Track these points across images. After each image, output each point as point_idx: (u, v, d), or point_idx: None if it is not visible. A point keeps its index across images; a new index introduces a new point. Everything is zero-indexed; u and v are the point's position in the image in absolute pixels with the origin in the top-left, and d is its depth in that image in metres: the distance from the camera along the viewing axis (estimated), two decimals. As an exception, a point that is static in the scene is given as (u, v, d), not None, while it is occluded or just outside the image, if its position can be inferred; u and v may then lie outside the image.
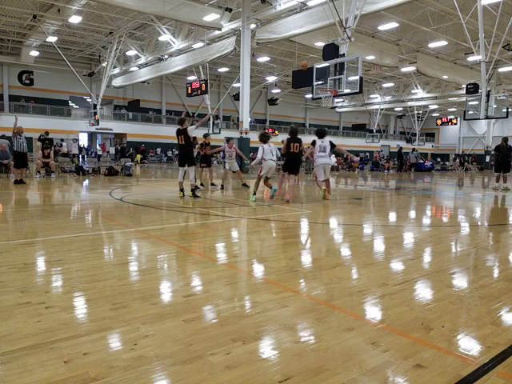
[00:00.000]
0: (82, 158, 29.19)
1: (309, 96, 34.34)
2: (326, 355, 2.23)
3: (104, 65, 29.74)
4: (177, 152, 35.35)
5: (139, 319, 2.65)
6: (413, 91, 37.15)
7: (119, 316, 2.70)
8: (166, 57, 26.67)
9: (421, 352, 2.29)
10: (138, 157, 33.24)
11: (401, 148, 29.18)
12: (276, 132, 43.25)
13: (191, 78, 29.97)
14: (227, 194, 11.59)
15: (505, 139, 13.83)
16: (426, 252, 4.93)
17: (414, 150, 31.65)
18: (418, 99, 37.71)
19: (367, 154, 40.18)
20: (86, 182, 14.01)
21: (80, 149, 30.75)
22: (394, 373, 2.07)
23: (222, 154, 13.29)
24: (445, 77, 27.64)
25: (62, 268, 3.81)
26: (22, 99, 31.93)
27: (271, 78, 36.78)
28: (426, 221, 7.62)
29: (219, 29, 21.00)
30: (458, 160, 35.82)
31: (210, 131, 32.07)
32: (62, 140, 28.48)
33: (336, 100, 32.25)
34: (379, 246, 5.29)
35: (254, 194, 9.47)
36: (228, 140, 13.35)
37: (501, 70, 28.05)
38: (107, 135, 38.25)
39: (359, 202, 10.31)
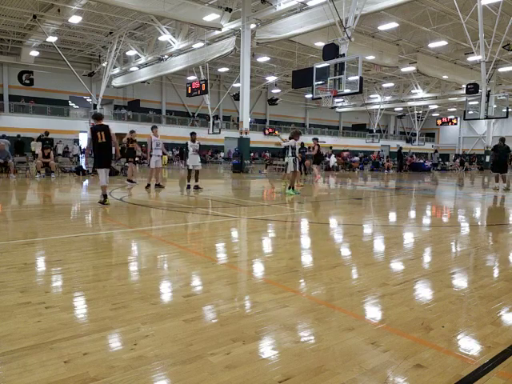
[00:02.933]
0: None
1: (309, 96, 34.33)
2: (325, 355, 2.23)
3: (104, 65, 29.72)
4: (177, 152, 35.45)
5: (139, 319, 2.65)
6: (413, 91, 37.12)
7: (119, 316, 2.70)
8: (166, 57, 26.67)
9: (421, 352, 2.29)
10: (165, 158, 32.03)
11: (400, 148, 29.23)
12: (276, 132, 43.28)
13: (191, 78, 29.96)
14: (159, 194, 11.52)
15: (502, 139, 13.78)
16: (425, 252, 4.93)
17: (436, 151, 31.88)
18: (418, 99, 37.67)
19: (361, 154, 40.00)
20: (85, 182, 14.00)
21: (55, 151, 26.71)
22: (393, 373, 2.07)
23: (151, 146, 11.39)
24: (445, 77, 27.62)
25: (62, 268, 3.81)
26: (22, 99, 31.90)
27: (271, 78, 36.76)
28: (426, 221, 7.62)
29: (219, 29, 20.99)
30: (458, 160, 35.84)
31: (210, 131, 32.04)
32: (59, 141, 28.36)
33: (336, 100, 32.24)
34: (379, 246, 5.29)
35: (292, 188, 10.77)
36: (153, 127, 11.82)
37: (501, 70, 28.02)
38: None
39: (359, 201, 10.31)
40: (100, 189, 8.03)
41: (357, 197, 11.53)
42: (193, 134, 11.44)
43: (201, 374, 2.02)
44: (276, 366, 2.12)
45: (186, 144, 11.33)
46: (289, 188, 10.78)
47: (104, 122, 8.16)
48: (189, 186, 11.42)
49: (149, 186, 11.41)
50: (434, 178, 22.87)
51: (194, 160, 11.35)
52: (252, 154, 32.18)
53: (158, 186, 11.68)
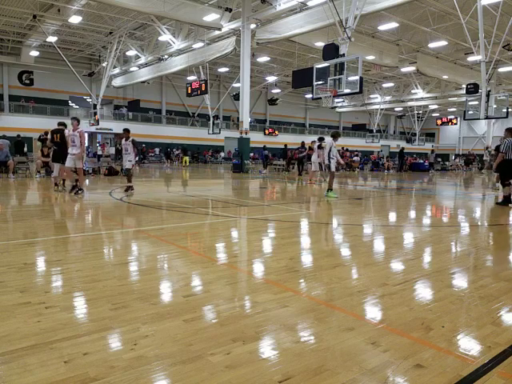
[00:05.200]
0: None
1: (309, 96, 34.34)
2: (325, 355, 2.23)
3: (104, 65, 29.74)
4: (177, 152, 35.50)
5: (139, 319, 2.65)
6: (413, 91, 37.14)
7: (119, 316, 2.70)
8: (166, 57, 26.68)
9: (421, 352, 2.28)
10: (186, 159, 29.62)
11: (402, 148, 29.24)
12: (276, 132, 43.27)
13: (191, 77, 29.96)
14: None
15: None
16: (426, 252, 4.93)
17: (432, 151, 31.98)
18: (417, 99, 37.69)
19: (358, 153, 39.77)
20: (85, 182, 14.00)
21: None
22: (393, 373, 2.07)
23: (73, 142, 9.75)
24: (445, 77, 27.63)
25: (61, 268, 3.81)
26: (21, 99, 31.91)
27: (271, 78, 36.78)
28: (426, 221, 7.62)
29: (219, 29, 21.00)
30: (458, 160, 35.74)
31: (210, 131, 31.98)
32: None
33: (336, 100, 32.23)
34: (379, 246, 5.29)
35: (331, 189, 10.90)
36: (74, 120, 9.83)
37: (501, 70, 28.03)
38: (107, 135, 38.25)
39: (359, 201, 10.31)
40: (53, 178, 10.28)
41: (357, 197, 11.52)
42: (124, 130, 10.51)
43: (201, 374, 2.02)
44: (276, 365, 2.12)
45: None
46: (328, 190, 10.80)
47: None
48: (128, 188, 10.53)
49: (74, 188, 9.89)
50: (433, 178, 22.88)
51: (124, 160, 10.54)
52: (252, 154, 32.18)
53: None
